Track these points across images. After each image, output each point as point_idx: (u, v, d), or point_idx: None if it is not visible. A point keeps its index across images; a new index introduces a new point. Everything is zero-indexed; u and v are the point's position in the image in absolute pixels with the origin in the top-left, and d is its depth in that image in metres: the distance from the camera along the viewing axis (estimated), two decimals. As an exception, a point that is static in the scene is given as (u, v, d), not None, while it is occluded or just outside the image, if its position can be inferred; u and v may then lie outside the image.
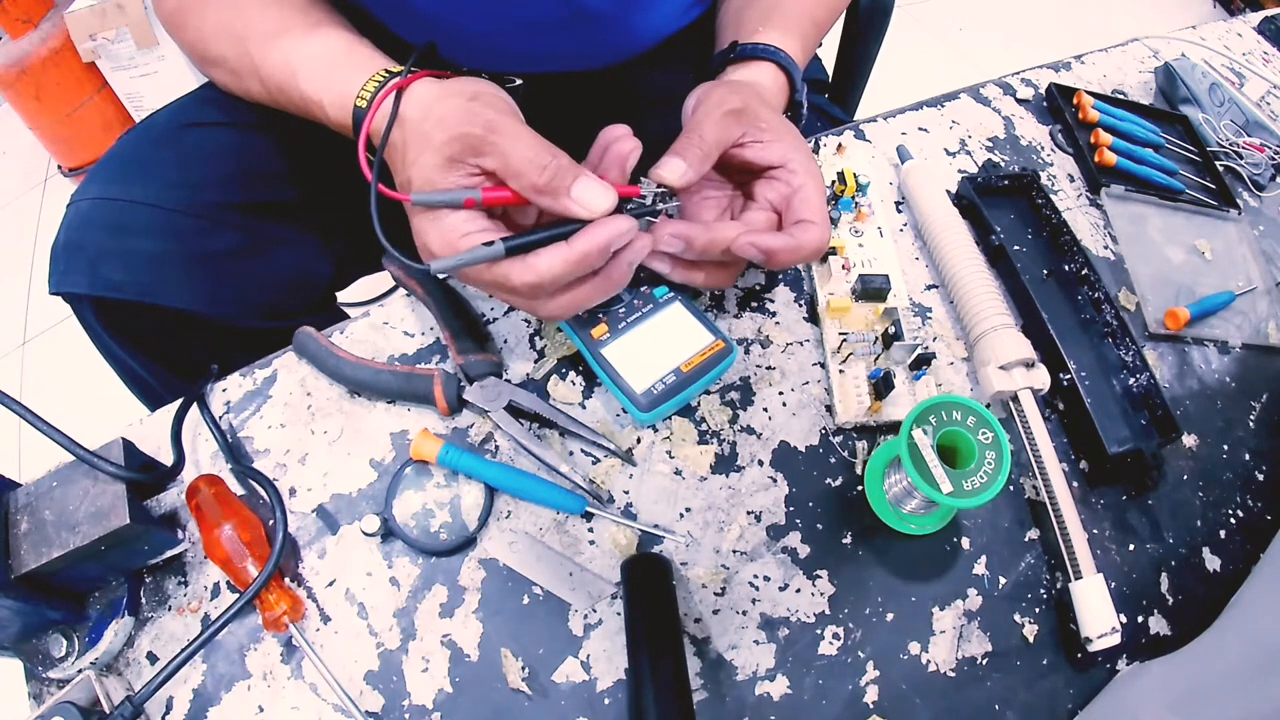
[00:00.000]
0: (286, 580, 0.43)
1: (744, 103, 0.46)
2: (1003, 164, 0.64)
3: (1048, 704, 0.43)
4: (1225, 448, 0.53)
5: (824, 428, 0.50)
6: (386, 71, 0.45)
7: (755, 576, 0.45)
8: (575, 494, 0.45)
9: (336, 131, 0.48)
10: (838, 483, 0.48)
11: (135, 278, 0.53)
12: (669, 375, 0.46)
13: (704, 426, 0.49)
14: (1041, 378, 0.50)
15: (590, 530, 0.45)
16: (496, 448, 0.48)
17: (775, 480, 0.48)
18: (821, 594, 0.44)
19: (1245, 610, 0.44)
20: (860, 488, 0.48)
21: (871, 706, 0.42)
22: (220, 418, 0.49)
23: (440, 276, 0.46)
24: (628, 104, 0.60)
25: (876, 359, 0.51)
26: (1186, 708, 0.39)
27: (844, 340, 0.51)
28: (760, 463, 0.48)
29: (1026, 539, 0.47)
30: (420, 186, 0.41)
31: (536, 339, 0.52)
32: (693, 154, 0.44)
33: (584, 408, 0.49)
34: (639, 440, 0.48)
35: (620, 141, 0.44)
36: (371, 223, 0.43)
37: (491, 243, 0.39)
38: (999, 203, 0.61)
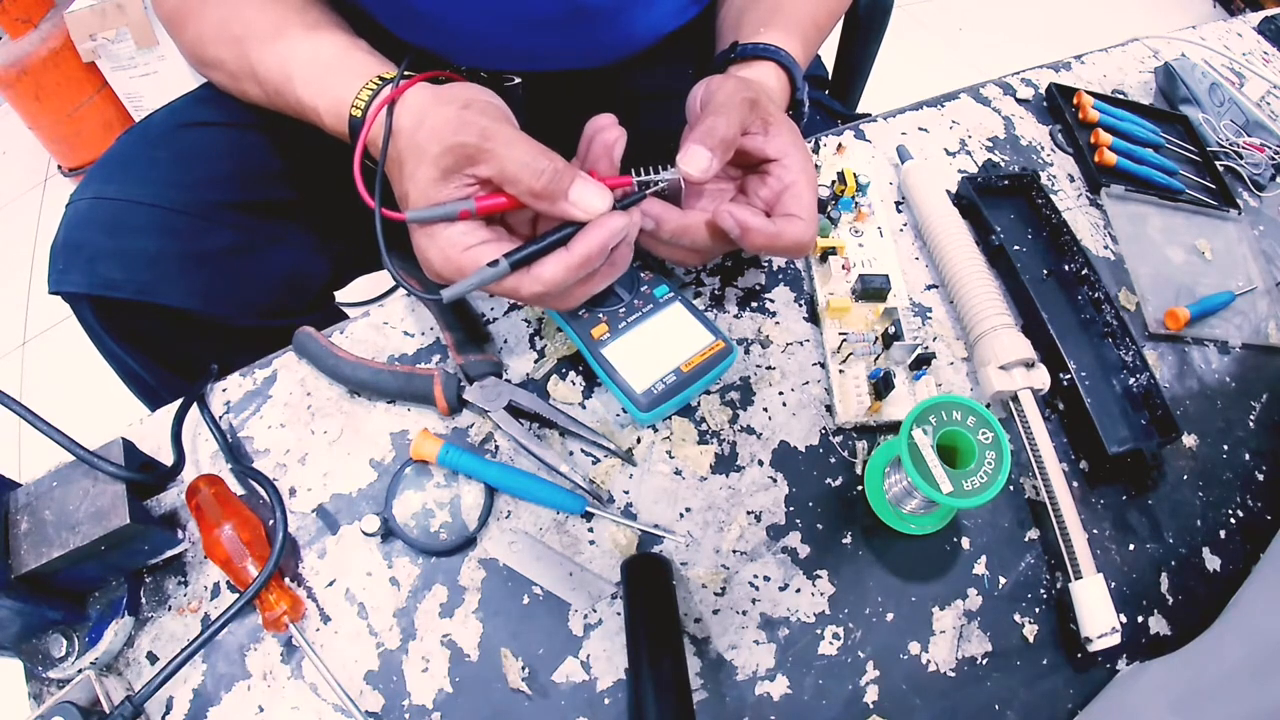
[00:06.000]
0: (286, 580, 0.43)
1: (756, 95, 0.46)
2: (1003, 164, 0.64)
3: (1048, 704, 0.43)
4: (1225, 448, 0.53)
5: (824, 428, 0.50)
6: (380, 78, 0.45)
7: (755, 576, 0.45)
8: (575, 494, 0.45)
9: (333, 136, 0.48)
10: (838, 483, 0.48)
11: (133, 276, 0.53)
12: (669, 375, 0.46)
13: (704, 426, 0.49)
14: (1041, 378, 0.50)
15: (590, 530, 0.45)
16: (496, 448, 0.48)
17: (775, 480, 0.48)
18: (821, 594, 0.44)
19: (1245, 610, 0.44)
20: (860, 488, 0.48)
21: (871, 706, 0.42)
22: (220, 418, 0.49)
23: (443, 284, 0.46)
24: (626, 101, 0.60)
25: (876, 359, 0.51)
26: (1186, 708, 0.39)
27: (844, 340, 0.51)
28: (760, 463, 0.48)
29: (1026, 539, 0.47)
30: (416, 202, 0.41)
31: (536, 339, 0.52)
32: (716, 143, 0.44)
33: (584, 408, 0.49)
34: (639, 440, 0.48)
35: (605, 131, 0.44)
36: (365, 227, 0.43)
37: (495, 262, 0.40)
38: (999, 203, 0.61)
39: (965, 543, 0.47)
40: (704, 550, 0.45)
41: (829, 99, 0.76)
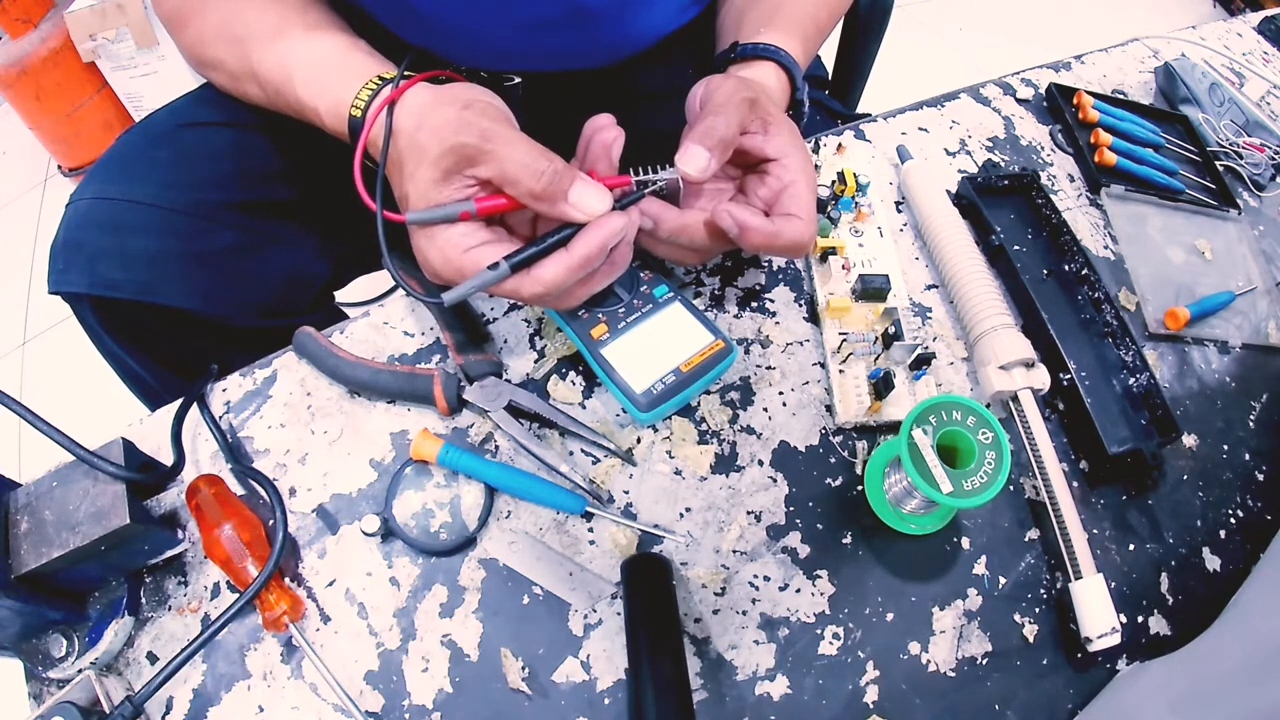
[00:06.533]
0: (286, 580, 0.43)
1: (755, 94, 0.46)
2: (1003, 164, 0.64)
3: (1048, 704, 0.43)
4: (1225, 448, 0.53)
5: (824, 428, 0.50)
6: (380, 78, 0.45)
7: (755, 576, 0.45)
8: (575, 494, 0.45)
9: (334, 136, 0.48)
10: (838, 483, 0.48)
11: (133, 276, 0.53)
12: (669, 375, 0.46)
13: (704, 426, 0.49)
14: (1041, 378, 0.50)
15: (590, 530, 0.45)
16: (496, 448, 0.48)
17: (775, 480, 0.48)
18: (821, 594, 0.44)
19: (1245, 610, 0.44)
20: (860, 488, 0.48)
21: (871, 706, 0.42)
22: (220, 418, 0.49)
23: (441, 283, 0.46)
24: (626, 101, 0.60)
25: (876, 359, 0.51)
26: (1186, 708, 0.39)
27: (844, 340, 0.51)
28: (760, 463, 0.48)
29: (1026, 539, 0.47)
30: (416, 203, 0.41)
31: (536, 339, 0.52)
32: (715, 143, 0.44)
33: (584, 408, 0.49)
34: (639, 440, 0.48)
35: (604, 131, 0.44)
36: (365, 228, 0.43)
37: (496, 264, 0.40)
38: (999, 203, 0.61)
39: (965, 543, 0.47)
40: (704, 550, 0.45)
41: (829, 99, 0.76)
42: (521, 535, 0.45)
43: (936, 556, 0.46)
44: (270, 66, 0.49)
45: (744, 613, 0.44)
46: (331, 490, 0.46)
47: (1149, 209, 0.64)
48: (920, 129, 0.66)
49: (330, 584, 0.44)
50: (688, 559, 0.45)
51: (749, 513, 0.46)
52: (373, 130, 0.44)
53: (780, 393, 0.51)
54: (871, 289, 0.52)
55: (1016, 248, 0.58)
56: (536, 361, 0.51)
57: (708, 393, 0.50)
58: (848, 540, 0.46)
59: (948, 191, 0.60)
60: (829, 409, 0.50)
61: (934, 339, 0.54)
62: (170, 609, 0.43)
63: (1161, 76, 0.75)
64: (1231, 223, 0.65)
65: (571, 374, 0.50)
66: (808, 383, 0.51)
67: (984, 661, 0.43)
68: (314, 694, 0.41)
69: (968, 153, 0.65)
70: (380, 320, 0.52)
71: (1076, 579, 0.44)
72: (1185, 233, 0.63)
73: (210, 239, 0.56)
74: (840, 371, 0.50)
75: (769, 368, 0.52)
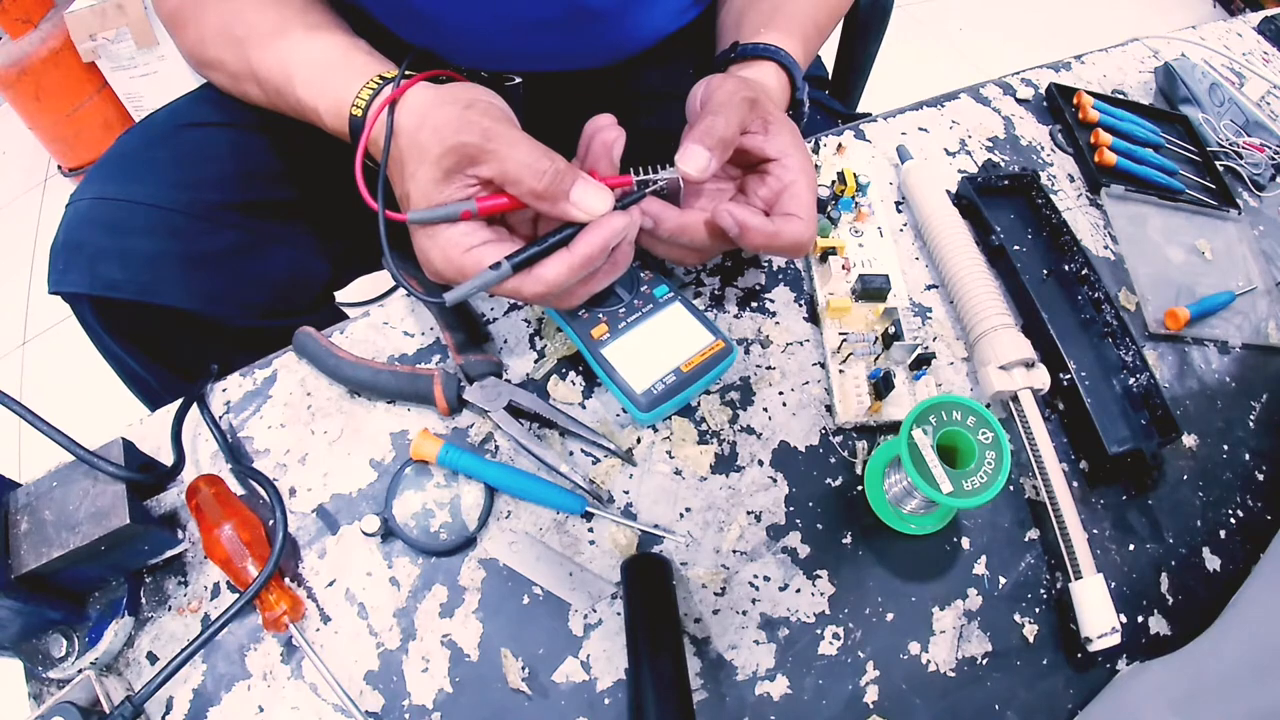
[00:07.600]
0: (286, 580, 0.43)
1: (756, 94, 0.46)
2: (1003, 164, 0.64)
3: (1048, 704, 0.43)
4: (1225, 448, 0.53)
5: (824, 428, 0.50)
6: (381, 78, 0.45)
7: (755, 576, 0.45)
8: (575, 494, 0.45)
9: (334, 136, 0.48)
10: (838, 483, 0.48)
11: (134, 277, 0.53)
12: (669, 375, 0.46)
13: (704, 426, 0.49)
14: (1041, 378, 0.50)
15: (590, 530, 0.45)
16: (496, 448, 0.48)
17: (775, 480, 0.48)
18: (821, 594, 0.44)
19: (1245, 610, 0.44)
20: (860, 488, 0.48)
21: (871, 706, 0.42)
22: (220, 418, 0.49)
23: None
24: (626, 101, 0.60)
25: (876, 359, 0.51)
26: (1186, 708, 0.39)
27: (844, 340, 0.51)
28: (760, 463, 0.48)
29: (1026, 539, 0.47)
30: (418, 202, 0.41)
31: (536, 339, 0.52)
32: (715, 142, 0.44)
33: (584, 408, 0.49)
34: (639, 440, 0.48)
35: (605, 131, 0.44)
36: (365, 227, 0.43)
37: (498, 264, 0.40)
38: (999, 203, 0.61)
39: (965, 543, 0.47)
40: (704, 550, 0.45)
41: (829, 99, 0.76)
42: (521, 535, 0.45)
43: (936, 556, 0.46)
44: (270, 67, 0.49)
45: (744, 613, 0.44)
46: (331, 490, 0.46)
47: (1149, 209, 0.64)
48: (920, 129, 0.66)
49: (330, 584, 0.44)
50: (688, 559, 0.45)
51: (749, 513, 0.46)
52: (374, 130, 0.44)
53: (780, 393, 0.51)
54: (871, 289, 0.52)
55: (1016, 248, 0.58)
56: (536, 361, 0.51)
57: (708, 393, 0.50)
58: (848, 540, 0.46)
59: (948, 191, 0.60)
60: (829, 409, 0.50)
61: (934, 339, 0.54)
62: (170, 609, 0.43)
63: (1161, 76, 0.75)
64: (1231, 223, 0.65)
65: (571, 374, 0.50)
66: (808, 383, 0.51)
67: (984, 661, 0.43)
68: (314, 694, 0.41)
69: (968, 153, 0.65)
70: (380, 320, 0.52)
71: (1076, 579, 0.44)
72: (1185, 233, 0.63)
73: (210, 239, 0.56)
74: (840, 371, 0.50)
75: (769, 368, 0.52)
